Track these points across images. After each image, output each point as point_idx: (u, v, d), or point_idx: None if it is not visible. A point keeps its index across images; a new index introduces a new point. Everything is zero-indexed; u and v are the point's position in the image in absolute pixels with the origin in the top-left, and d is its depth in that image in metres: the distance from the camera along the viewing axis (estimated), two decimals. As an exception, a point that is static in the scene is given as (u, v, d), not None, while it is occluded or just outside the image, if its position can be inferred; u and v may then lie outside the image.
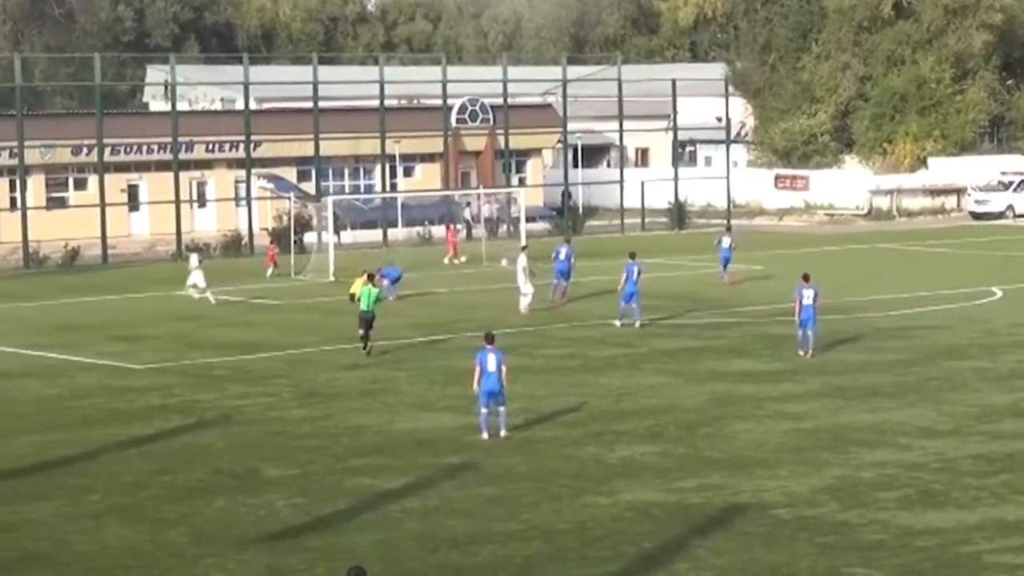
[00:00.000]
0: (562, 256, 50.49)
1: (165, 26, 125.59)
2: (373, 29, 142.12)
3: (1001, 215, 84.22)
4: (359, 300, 40.62)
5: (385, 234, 74.14)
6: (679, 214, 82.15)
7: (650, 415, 31.95)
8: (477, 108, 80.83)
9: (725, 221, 75.34)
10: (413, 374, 37.44)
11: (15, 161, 68.71)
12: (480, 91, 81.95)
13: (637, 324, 44.40)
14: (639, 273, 44.68)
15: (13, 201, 70.04)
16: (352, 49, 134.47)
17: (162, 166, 72.92)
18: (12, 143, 68.50)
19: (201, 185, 76.45)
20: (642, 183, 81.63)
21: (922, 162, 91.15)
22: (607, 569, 21.47)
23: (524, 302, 47.02)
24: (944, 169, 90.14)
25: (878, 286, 53.83)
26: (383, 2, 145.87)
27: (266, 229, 70.78)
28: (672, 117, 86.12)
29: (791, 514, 23.96)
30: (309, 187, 75.31)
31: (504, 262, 61.20)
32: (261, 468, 27.73)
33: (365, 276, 42.16)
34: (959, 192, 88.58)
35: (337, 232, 65.02)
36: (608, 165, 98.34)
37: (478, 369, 29.61)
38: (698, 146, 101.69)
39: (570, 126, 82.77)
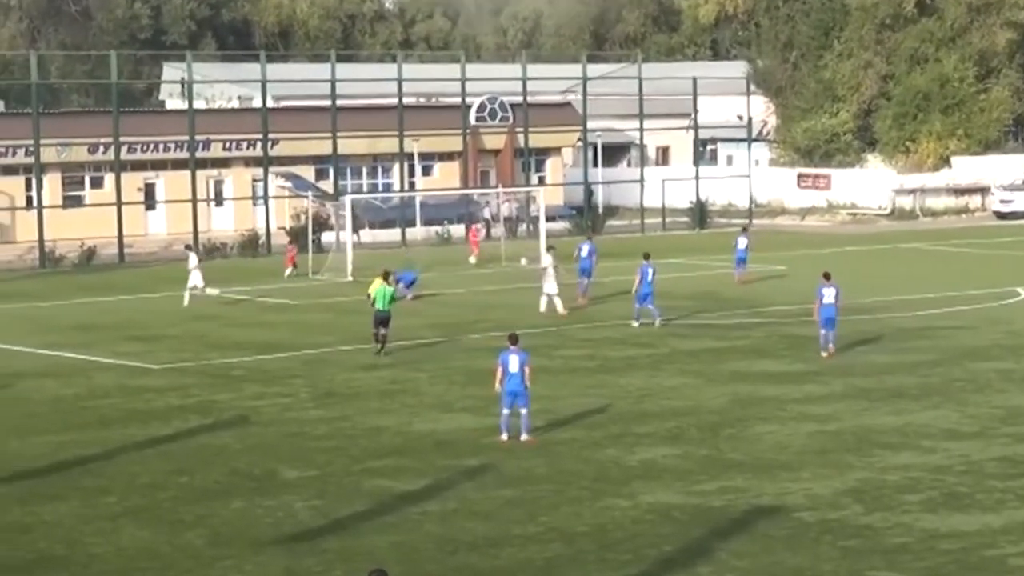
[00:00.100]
0: (584, 253, 50.34)
1: (182, 23, 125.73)
2: (391, 26, 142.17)
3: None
4: (375, 300, 40.42)
5: (403, 234, 73.94)
6: (700, 214, 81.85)
7: (671, 417, 31.74)
8: (496, 106, 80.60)
9: (747, 221, 75.06)
10: (432, 375, 37.26)
11: (31, 159, 68.59)
12: (499, 89, 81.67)
13: (657, 323, 44.20)
14: (654, 274, 44.47)
15: (29, 200, 69.91)
16: (370, 47, 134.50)
17: (179, 165, 72.78)
18: (28, 141, 68.35)
19: (218, 184, 76.35)
20: (663, 182, 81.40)
21: (945, 161, 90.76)
22: (627, 572, 21.30)
23: (558, 303, 46.68)
24: (968, 168, 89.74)
25: (901, 286, 53.58)
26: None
27: (283, 228, 70.66)
28: (693, 116, 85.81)
29: (814, 517, 23.77)
30: (327, 186, 75.23)
31: (524, 261, 61.04)
32: (279, 469, 27.57)
33: (382, 275, 41.95)
34: (983, 191, 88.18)
35: (355, 231, 64.81)
36: (628, 164, 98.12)
37: (500, 370, 29.43)
38: (719, 145, 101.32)
39: (590, 124, 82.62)
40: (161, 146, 73.60)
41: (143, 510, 24.85)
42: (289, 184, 75.27)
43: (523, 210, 77.38)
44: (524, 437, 29.35)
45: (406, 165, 77.61)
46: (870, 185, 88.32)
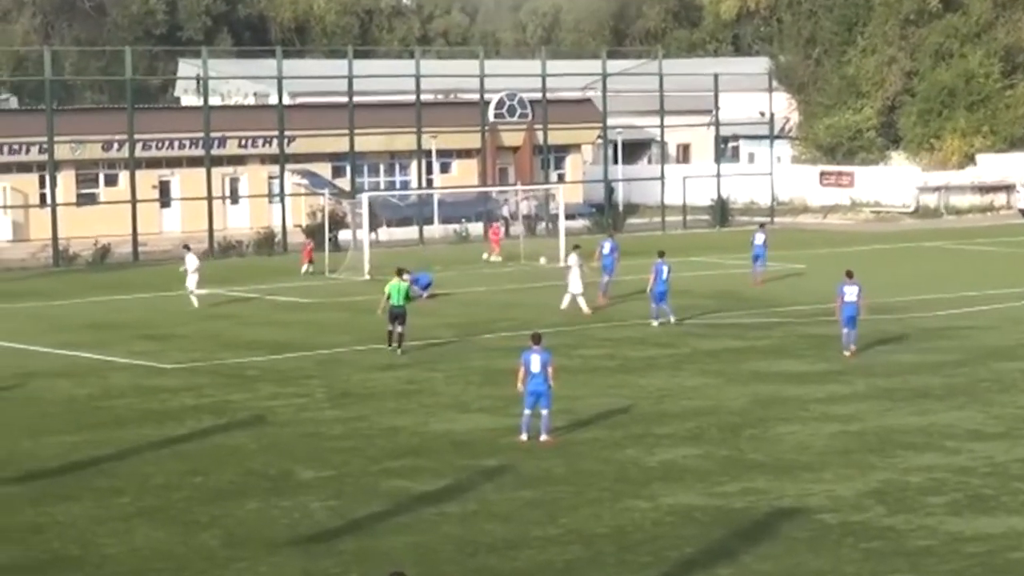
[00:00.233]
0: (606, 250, 50.12)
1: (197, 19, 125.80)
2: (409, 22, 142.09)
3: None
4: (389, 295, 40.13)
5: (421, 231, 73.70)
6: (721, 211, 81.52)
7: (692, 417, 31.47)
8: (515, 103, 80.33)
9: (768, 218, 74.72)
10: (449, 374, 37.04)
11: (45, 157, 68.41)
12: (518, 85, 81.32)
13: (672, 320, 43.93)
14: (668, 272, 44.21)
15: (43, 197, 69.80)
16: (387, 43, 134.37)
17: (194, 162, 72.62)
18: (42, 138, 68.13)
19: (234, 181, 76.23)
20: (683, 180, 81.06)
21: (970, 158, 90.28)
22: (648, 574, 21.10)
23: (582, 302, 46.37)
24: (993, 166, 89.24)
25: (925, 285, 53.29)
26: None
27: (300, 226, 70.47)
28: (714, 112, 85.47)
29: (836, 519, 23.54)
30: (344, 183, 74.95)
31: (543, 260, 60.77)
32: (294, 470, 27.36)
33: (396, 272, 41.63)
34: (1008, 189, 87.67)
35: (372, 229, 64.56)
36: (649, 161, 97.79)
37: (522, 370, 29.22)
38: (741, 142, 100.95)
39: (610, 121, 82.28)
40: (176, 143, 73.46)
41: (157, 511, 24.67)
42: (305, 182, 75.07)
43: (542, 208, 77.11)
44: (544, 438, 29.08)
45: (424, 162, 77.39)
46: (894, 183, 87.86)
